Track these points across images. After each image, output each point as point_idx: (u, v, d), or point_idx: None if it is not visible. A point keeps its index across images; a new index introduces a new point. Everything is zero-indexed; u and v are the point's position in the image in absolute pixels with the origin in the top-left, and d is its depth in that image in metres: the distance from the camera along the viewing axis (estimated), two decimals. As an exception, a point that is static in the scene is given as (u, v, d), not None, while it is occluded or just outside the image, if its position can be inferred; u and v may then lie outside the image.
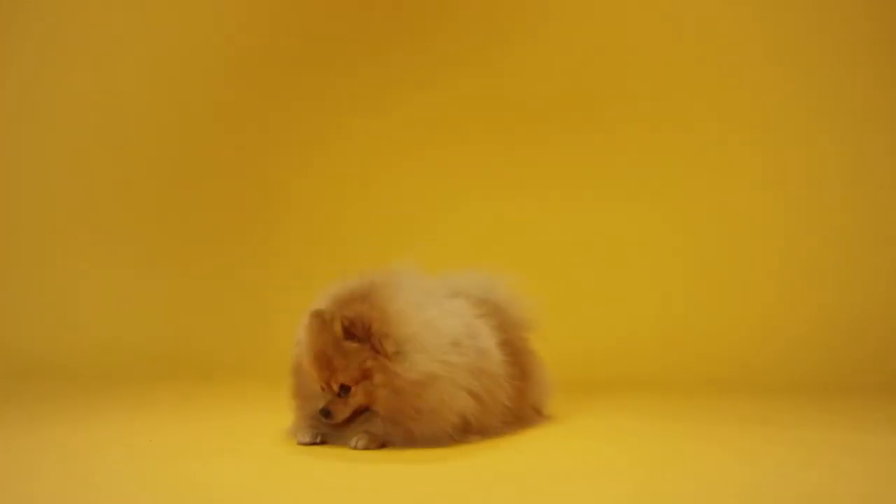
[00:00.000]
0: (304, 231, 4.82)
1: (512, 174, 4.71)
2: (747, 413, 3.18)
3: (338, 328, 2.33)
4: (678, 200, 4.54)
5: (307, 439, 2.46)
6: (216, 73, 4.96)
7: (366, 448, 2.39)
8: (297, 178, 4.90)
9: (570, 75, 4.68)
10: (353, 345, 2.34)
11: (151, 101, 4.91)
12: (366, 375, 2.35)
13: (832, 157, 4.41)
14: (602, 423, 2.99)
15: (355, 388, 2.38)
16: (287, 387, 2.60)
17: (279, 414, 2.72)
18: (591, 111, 4.64)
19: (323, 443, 2.47)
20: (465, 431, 2.48)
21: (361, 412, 2.42)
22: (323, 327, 2.37)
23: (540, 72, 4.73)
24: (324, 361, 2.38)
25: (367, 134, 4.85)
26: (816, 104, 4.45)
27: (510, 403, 2.63)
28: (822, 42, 4.45)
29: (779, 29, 4.54)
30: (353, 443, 2.40)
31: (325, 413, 2.38)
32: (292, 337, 2.64)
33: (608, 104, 4.64)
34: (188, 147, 4.91)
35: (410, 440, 2.41)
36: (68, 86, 4.86)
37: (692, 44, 4.60)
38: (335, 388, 2.39)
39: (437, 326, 2.40)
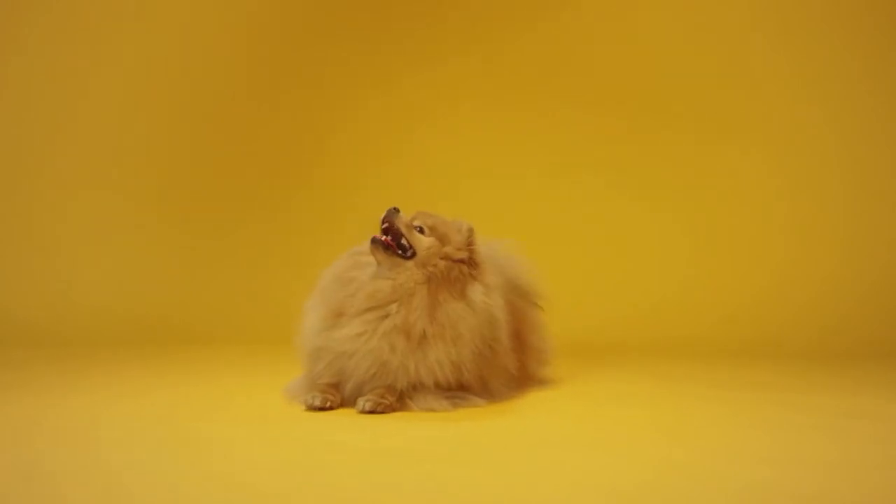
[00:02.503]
0: (304, 202, 4.74)
1: (528, 147, 4.71)
2: (758, 379, 3.15)
3: (466, 226, 2.57)
4: (689, 173, 4.55)
5: (317, 403, 2.36)
6: (241, 41, 4.84)
7: (372, 411, 2.32)
8: (304, 150, 4.83)
9: (590, 57, 4.69)
10: (456, 231, 2.55)
11: (173, 70, 4.77)
12: (443, 241, 2.51)
13: (839, 128, 4.42)
14: (614, 387, 2.96)
15: (427, 236, 2.51)
16: (294, 348, 2.55)
17: (277, 377, 2.70)
18: (607, 92, 4.66)
19: (330, 408, 2.38)
20: (463, 388, 2.47)
21: (404, 251, 2.48)
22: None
23: (561, 53, 4.73)
24: (422, 211, 2.58)
25: (382, 108, 4.82)
26: (822, 87, 4.45)
27: (511, 368, 2.65)
28: (829, 32, 4.48)
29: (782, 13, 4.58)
30: (359, 405, 2.34)
31: (395, 210, 2.50)
32: (289, 303, 2.62)
33: (625, 88, 4.65)
34: (197, 120, 4.78)
35: (422, 358, 2.38)
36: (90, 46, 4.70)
37: (705, 33, 4.61)
38: (416, 222, 2.54)
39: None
